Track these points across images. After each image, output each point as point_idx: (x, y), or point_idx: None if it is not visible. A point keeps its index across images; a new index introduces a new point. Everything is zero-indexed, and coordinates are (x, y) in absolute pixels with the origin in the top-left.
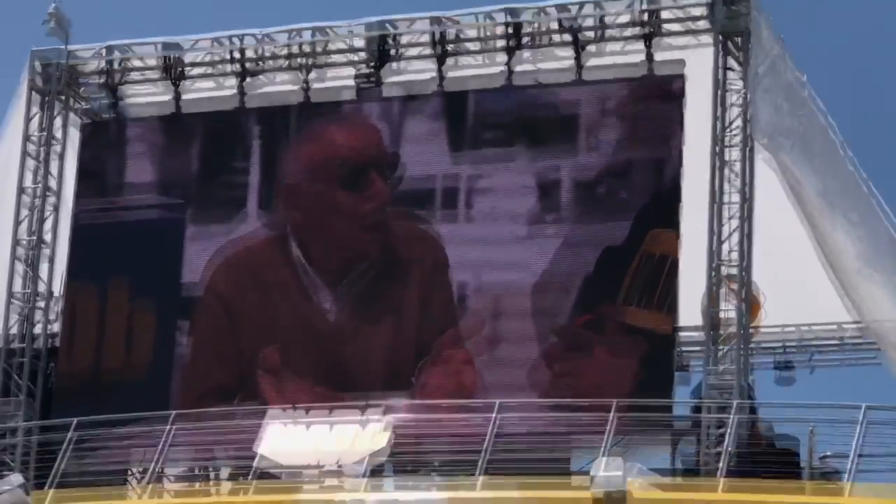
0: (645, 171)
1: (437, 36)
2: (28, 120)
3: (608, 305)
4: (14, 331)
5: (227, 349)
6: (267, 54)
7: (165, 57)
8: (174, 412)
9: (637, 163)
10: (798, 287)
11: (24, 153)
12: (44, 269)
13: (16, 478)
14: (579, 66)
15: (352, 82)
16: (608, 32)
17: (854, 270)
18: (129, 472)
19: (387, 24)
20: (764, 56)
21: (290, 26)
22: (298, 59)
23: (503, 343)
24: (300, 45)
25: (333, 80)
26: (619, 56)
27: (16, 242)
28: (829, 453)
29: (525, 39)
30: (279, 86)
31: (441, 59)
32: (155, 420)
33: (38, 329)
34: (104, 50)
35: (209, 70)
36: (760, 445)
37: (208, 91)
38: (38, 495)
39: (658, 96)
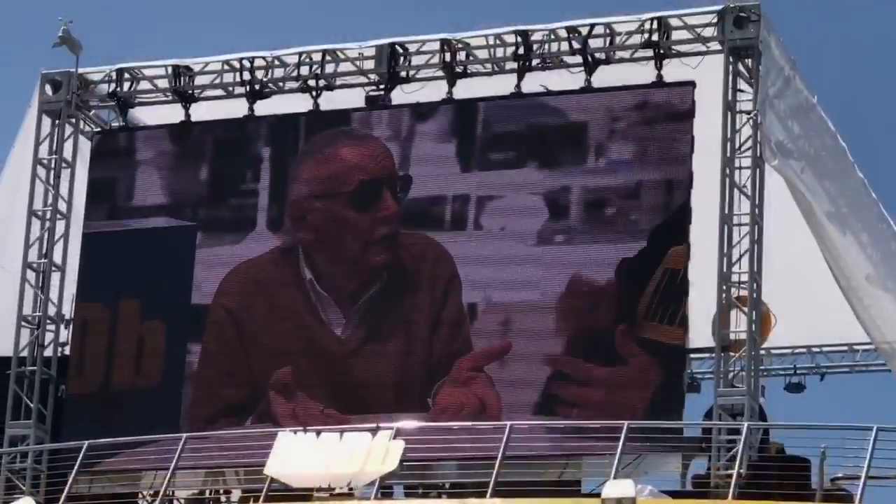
0: (656, 190)
1: (447, 58)
2: (38, 143)
3: (626, 323)
4: (25, 353)
5: (238, 366)
6: (277, 75)
7: (176, 79)
8: (185, 435)
9: (647, 181)
10: (810, 308)
11: (35, 176)
12: (54, 291)
13: (26, 502)
14: (590, 86)
15: (362, 104)
16: (618, 54)
17: (864, 291)
18: (140, 495)
19: (397, 46)
20: (775, 77)
21: (299, 48)
22: (309, 82)
23: (517, 361)
24: (311, 67)
25: (343, 104)
26: (629, 77)
27: (26, 265)
28: (840, 474)
29: (535, 61)
30: (289, 103)
31: (451, 81)
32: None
33: (48, 352)
34: (114, 73)
35: (219, 92)
36: (772, 467)
37: (218, 108)
38: None
39: (668, 114)
